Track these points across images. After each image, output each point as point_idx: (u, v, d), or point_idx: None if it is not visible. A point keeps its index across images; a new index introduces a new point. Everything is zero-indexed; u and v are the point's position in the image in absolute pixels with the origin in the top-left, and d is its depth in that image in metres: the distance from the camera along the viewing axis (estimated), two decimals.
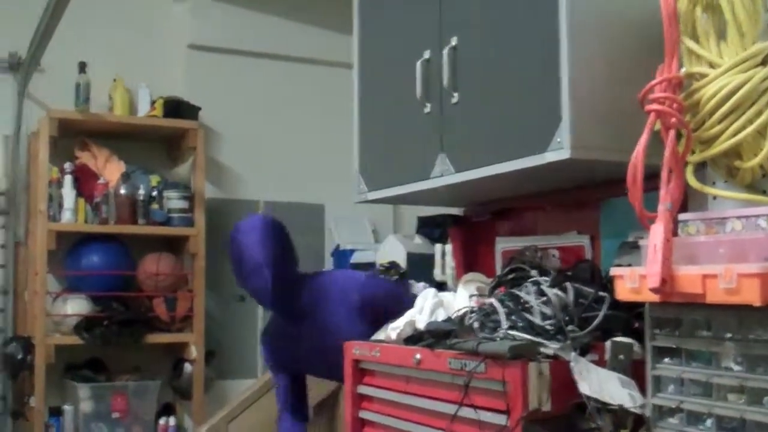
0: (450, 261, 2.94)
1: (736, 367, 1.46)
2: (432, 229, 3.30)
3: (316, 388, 3.28)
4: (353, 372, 2.29)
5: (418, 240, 3.32)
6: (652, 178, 1.62)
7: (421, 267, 3.07)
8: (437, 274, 2.99)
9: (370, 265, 3.58)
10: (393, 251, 3.23)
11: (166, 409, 4.28)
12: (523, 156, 1.93)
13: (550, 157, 1.85)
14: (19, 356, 4.07)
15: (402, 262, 3.14)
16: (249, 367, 4.51)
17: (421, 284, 2.86)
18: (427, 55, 2.36)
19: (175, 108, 4.36)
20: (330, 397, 3.37)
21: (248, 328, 4.60)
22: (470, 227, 2.84)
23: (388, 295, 2.65)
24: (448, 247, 2.95)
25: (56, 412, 4.06)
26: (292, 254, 2.69)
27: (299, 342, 2.72)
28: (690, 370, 1.54)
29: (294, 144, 4.74)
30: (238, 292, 4.61)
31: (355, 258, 3.99)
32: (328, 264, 4.52)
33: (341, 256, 4.30)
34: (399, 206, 4.61)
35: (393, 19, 2.62)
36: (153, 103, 4.39)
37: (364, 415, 2.26)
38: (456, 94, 2.21)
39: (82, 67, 4.12)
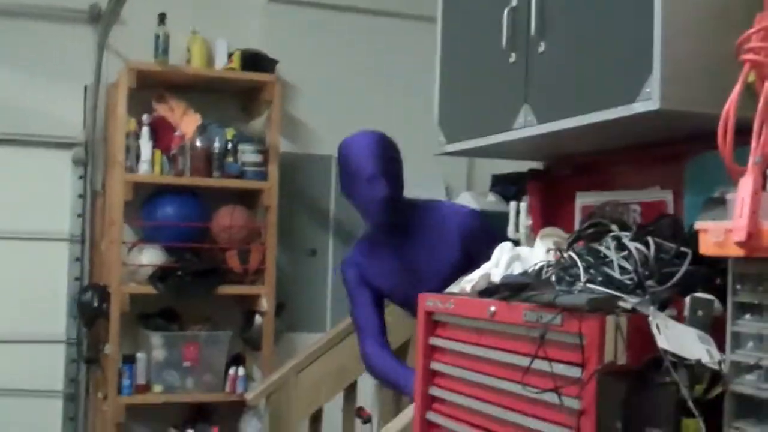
0: (524, 219, 2.91)
1: None
2: (506, 186, 3.28)
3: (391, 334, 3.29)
4: (426, 324, 2.28)
5: (492, 198, 3.30)
6: (742, 133, 1.57)
7: (494, 225, 3.05)
8: (511, 231, 2.97)
9: None
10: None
11: (236, 360, 4.34)
12: (611, 107, 1.89)
13: (638, 108, 1.81)
14: (95, 304, 4.16)
15: None
16: (318, 321, 4.55)
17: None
18: (514, 2, 2.32)
19: (252, 61, 4.36)
20: (399, 351, 3.38)
21: (319, 282, 4.63)
22: (550, 182, 2.81)
23: (486, 233, 2.67)
24: (523, 205, 2.92)
25: (129, 360, 4.14)
26: (401, 173, 2.74)
27: (394, 260, 2.78)
28: None
29: (370, 99, 4.71)
30: (310, 247, 4.66)
31: None
32: None
33: None
34: (473, 164, 4.58)
35: None
36: (230, 55, 4.40)
37: (435, 366, 2.26)
38: (543, 43, 2.17)
39: (161, 18, 4.15)
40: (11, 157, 4.35)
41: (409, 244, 2.76)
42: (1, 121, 4.29)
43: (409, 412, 2.38)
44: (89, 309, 4.17)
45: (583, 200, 2.50)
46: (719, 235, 1.54)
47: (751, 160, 1.54)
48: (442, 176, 4.63)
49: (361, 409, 3.68)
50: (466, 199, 3.31)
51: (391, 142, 2.75)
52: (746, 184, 1.50)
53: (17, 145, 4.35)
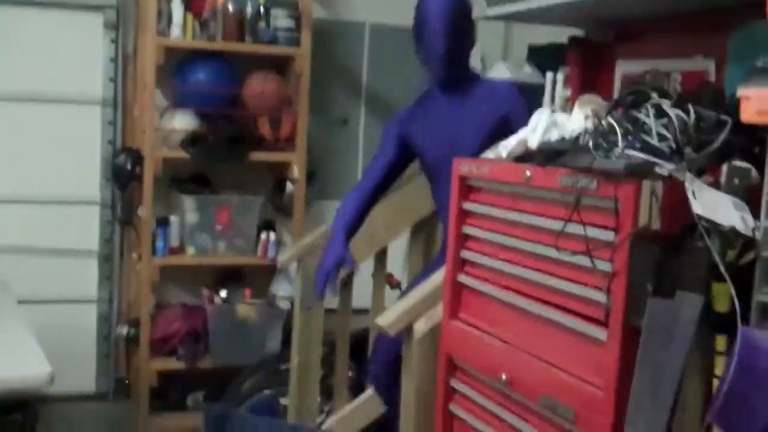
0: (561, 90, 2.88)
1: None
2: (543, 57, 3.23)
3: (419, 206, 3.34)
4: (460, 188, 2.31)
5: (528, 69, 3.26)
6: None
7: (530, 97, 3.03)
8: (546, 103, 2.95)
9: None
10: (502, 76, 3.19)
11: (267, 225, 4.41)
12: None
13: None
14: (128, 168, 4.21)
15: None
16: (349, 189, 4.57)
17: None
18: None
19: None
20: (430, 217, 3.43)
21: (349, 152, 4.66)
22: (590, 50, 2.78)
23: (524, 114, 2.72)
24: (560, 76, 2.89)
25: (163, 222, 4.22)
26: (469, 39, 2.90)
27: (440, 122, 2.92)
28: None
29: None
30: (342, 116, 4.67)
31: None
32: None
33: None
34: (510, 33, 4.51)
35: None
36: None
37: (468, 230, 2.30)
38: None
39: None
40: (44, 21, 4.33)
41: (457, 110, 2.88)
42: None
43: (440, 275, 2.43)
44: (123, 172, 4.24)
45: (624, 68, 2.48)
46: (763, 102, 1.53)
47: None
48: (478, 45, 4.56)
49: (390, 275, 3.76)
50: (501, 70, 3.28)
51: (467, 5, 2.85)
52: None
53: (50, 7, 4.32)
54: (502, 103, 2.83)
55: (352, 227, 3.02)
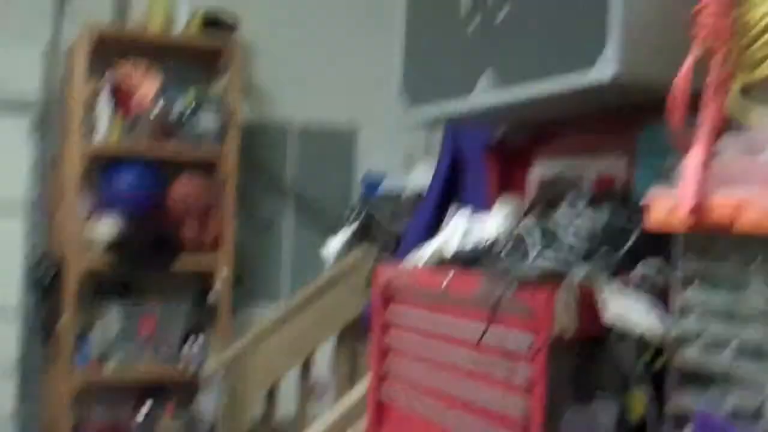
0: None
1: (761, 296, 1.42)
2: None
3: (344, 312, 3.30)
4: (382, 296, 2.28)
5: None
6: (696, 104, 1.57)
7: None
8: None
9: (398, 194, 3.57)
10: (425, 178, 3.20)
11: (193, 331, 4.31)
12: (569, 72, 1.89)
13: (596, 73, 1.81)
14: (50, 275, 4.10)
15: None
16: (274, 292, 4.53)
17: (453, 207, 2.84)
18: None
19: (213, 22, 4.32)
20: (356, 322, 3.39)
21: (277, 255, 4.61)
22: (506, 151, 2.80)
23: None
24: None
25: (85, 333, 4.10)
26: None
27: None
28: (715, 298, 1.50)
29: (331, 65, 4.69)
30: (268, 218, 4.63)
31: (386, 185, 3.95)
32: (357, 190, 4.50)
33: (370, 181, 4.26)
34: (433, 132, 4.56)
35: None
36: (191, 16, 4.34)
37: (389, 341, 2.27)
38: (505, 8, 2.15)
39: None
40: None
41: None
42: None
43: (362, 387, 2.38)
44: (44, 280, 4.12)
45: (539, 170, 2.51)
46: (667, 206, 1.53)
47: (700, 129, 1.54)
48: (401, 145, 4.61)
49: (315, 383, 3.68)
50: (426, 169, 3.29)
51: None
52: (695, 155, 1.50)
53: None
54: None
55: None
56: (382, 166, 4.35)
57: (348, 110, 4.63)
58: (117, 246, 4.11)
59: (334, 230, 3.60)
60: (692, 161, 1.49)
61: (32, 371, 4.37)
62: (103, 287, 4.24)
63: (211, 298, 4.25)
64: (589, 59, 1.84)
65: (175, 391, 4.29)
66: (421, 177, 3.24)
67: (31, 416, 4.36)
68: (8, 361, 4.31)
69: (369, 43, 4.54)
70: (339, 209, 4.02)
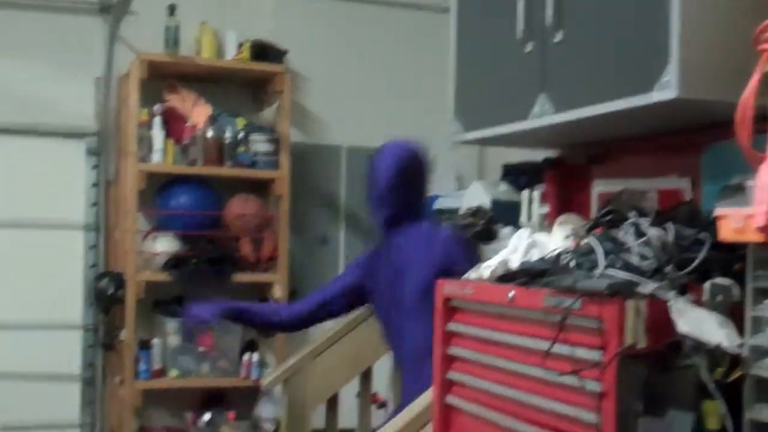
0: (537, 208, 2.94)
1: None
2: (517, 176, 3.31)
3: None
4: (444, 309, 2.32)
5: (503, 187, 3.33)
6: (761, 121, 1.61)
7: (506, 214, 3.09)
8: (524, 221, 3.00)
9: (453, 212, 3.60)
10: (478, 198, 3.25)
11: (250, 346, 4.39)
12: (628, 96, 1.92)
13: (656, 96, 1.84)
14: (111, 291, 4.21)
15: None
16: None
17: (508, 229, 2.88)
18: None
19: (262, 51, 4.40)
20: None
21: (330, 270, 4.67)
22: (566, 170, 2.84)
23: (465, 261, 2.73)
24: (536, 194, 2.96)
25: (145, 345, 4.20)
26: (418, 191, 2.97)
27: (386, 268, 2.96)
28: None
29: (380, 89, 4.78)
30: (321, 235, 4.71)
31: (439, 204, 4.01)
32: None
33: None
34: (484, 153, 4.61)
35: None
36: (240, 46, 4.44)
37: (453, 351, 2.30)
38: (559, 33, 2.20)
39: (172, 10, 4.19)
40: (27, 148, 4.38)
41: (396, 254, 2.94)
42: (16, 113, 4.33)
43: (427, 397, 2.42)
44: (105, 296, 4.22)
45: (600, 188, 2.54)
46: (739, 221, 1.57)
47: None
48: (453, 166, 4.67)
49: (375, 394, 3.73)
50: (478, 189, 3.34)
51: (417, 158, 2.93)
52: (766, 170, 1.54)
53: (32, 135, 4.38)
54: (440, 250, 2.85)
55: (240, 313, 3.15)
56: (434, 186, 4.40)
57: (398, 132, 4.68)
58: (175, 263, 4.20)
59: None
60: (764, 176, 1.53)
61: (96, 381, 4.48)
62: (162, 302, 4.33)
63: None
64: (648, 82, 1.87)
65: (235, 399, 4.39)
66: (474, 197, 3.28)
67: (95, 424, 4.47)
68: (73, 372, 4.45)
69: (419, 66, 4.64)
70: None
